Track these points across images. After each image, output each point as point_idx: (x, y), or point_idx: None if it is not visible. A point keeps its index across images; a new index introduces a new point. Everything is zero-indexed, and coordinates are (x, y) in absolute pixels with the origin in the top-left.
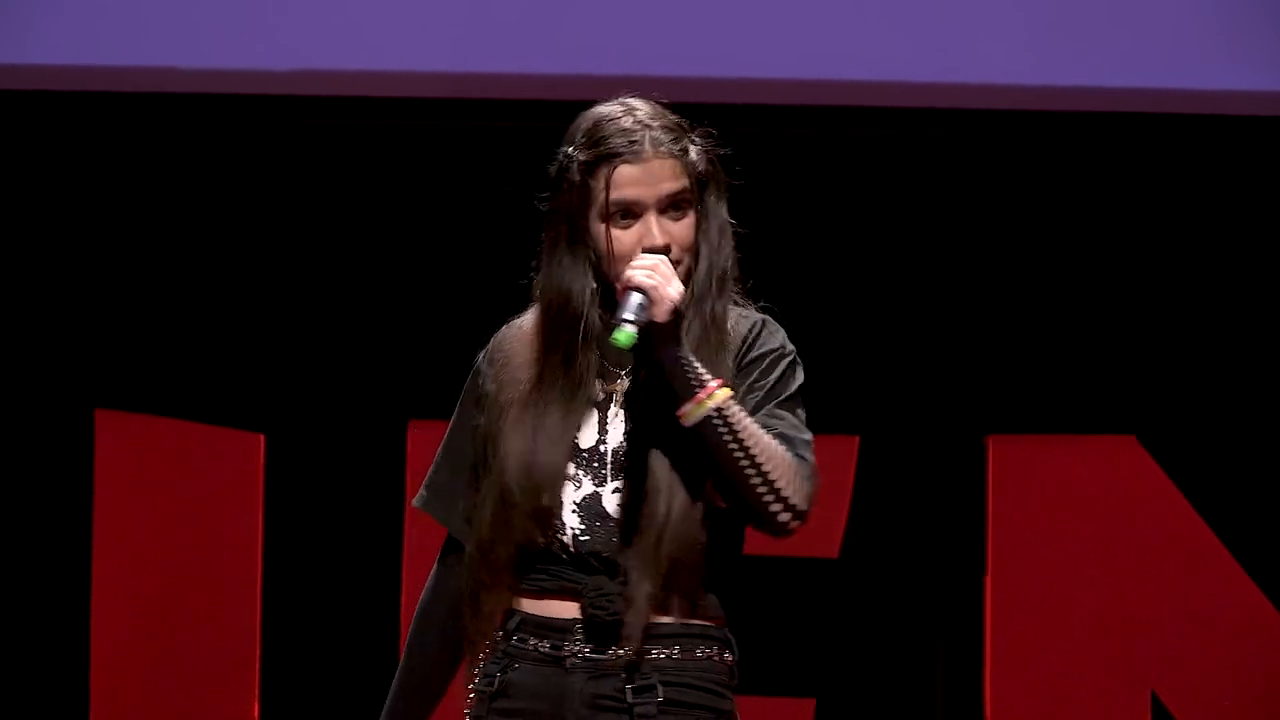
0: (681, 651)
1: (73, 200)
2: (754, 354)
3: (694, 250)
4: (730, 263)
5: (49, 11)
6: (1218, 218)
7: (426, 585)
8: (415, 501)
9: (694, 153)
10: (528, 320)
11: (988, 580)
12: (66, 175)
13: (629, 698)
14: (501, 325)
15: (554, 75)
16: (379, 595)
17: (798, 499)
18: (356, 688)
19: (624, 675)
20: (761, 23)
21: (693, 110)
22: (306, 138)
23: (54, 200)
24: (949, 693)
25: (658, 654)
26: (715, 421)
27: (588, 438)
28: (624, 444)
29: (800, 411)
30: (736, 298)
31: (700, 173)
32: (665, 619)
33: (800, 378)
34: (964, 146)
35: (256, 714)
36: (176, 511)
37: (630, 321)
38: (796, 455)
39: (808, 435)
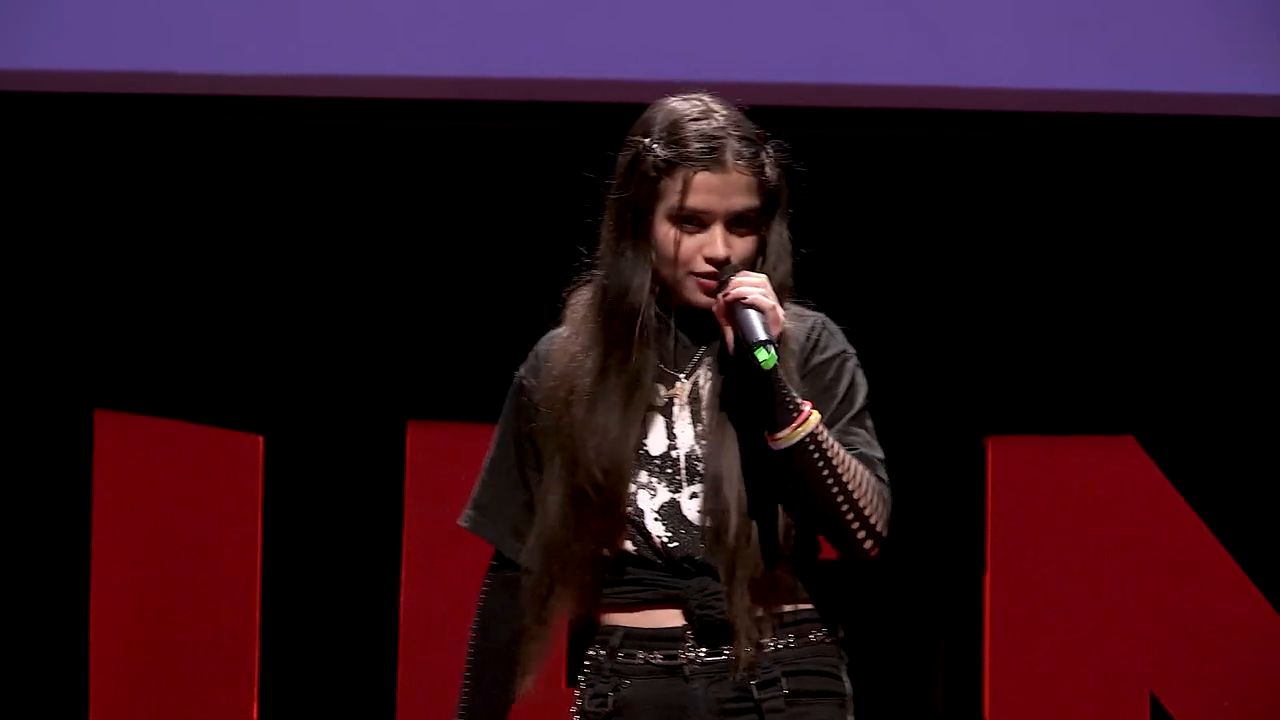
0: (796, 639)
1: (72, 202)
2: (819, 358)
3: (753, 268)
4: (789, 280)
5: (48, 15)
6: (1216, 219)
7: (480, 609)
8: (462, 522)
9: (769, 168)
10: (566, 331)
11: (987, 580)
12: (66, 177)
13: (755, 694)
14: (502, 325)
15: (555, 78)
16: (378, 596)
17: (881, 525)
18: (355, 689)
19: (746, 673)
20: (762, 26)
21: None
22: (305, 140)
23: (54, 202)
24: (949, 693)
25: (773, 646)
26: (810, 448)
27: (657, 444)
28: (695, 449)
29: (869, 422)
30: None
31: (770, 189)
32: (772, 609)
33: (865, 382)
34: (964, 149)
35: (255, 715)
36: (176, 512)
37: (769, 342)
38: (877, 478)
39: (881, 453)
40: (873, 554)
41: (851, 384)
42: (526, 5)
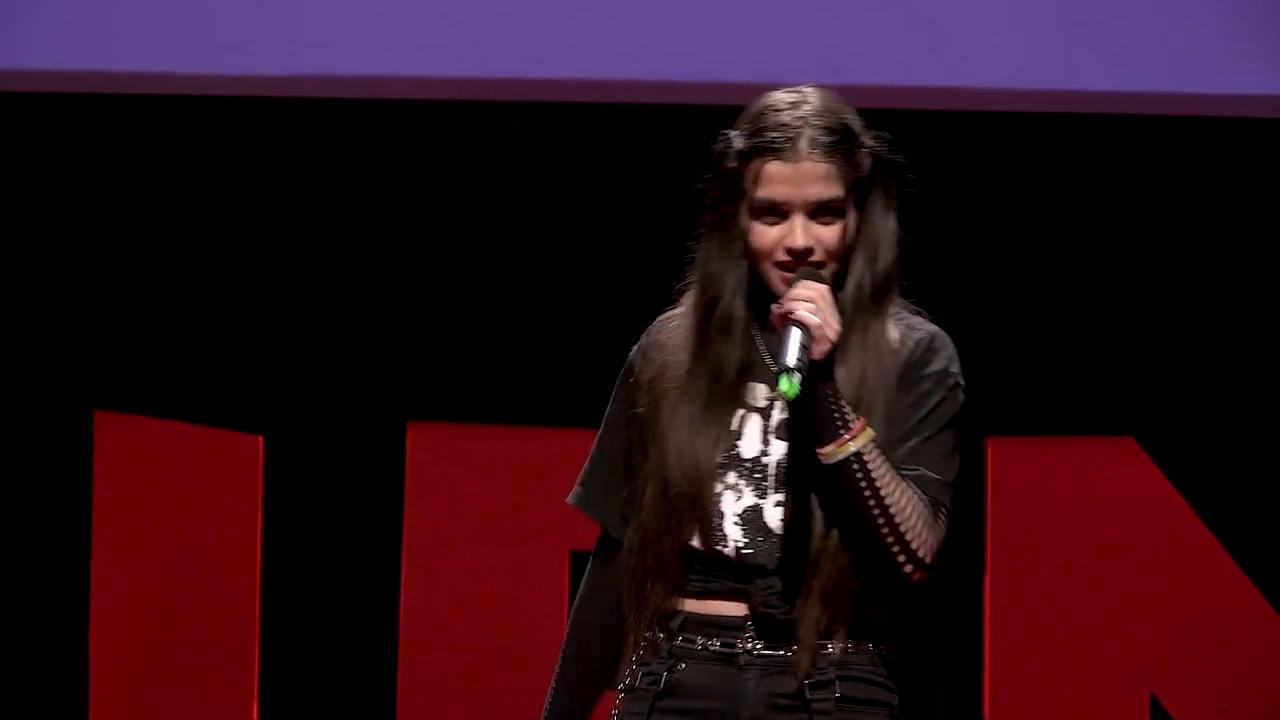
0: (855, 646)
1: (72, 203)
2: (918, 373)
3: (842, 258)
4: (893, 275)
5: (48, 16)
6: (1216, 220)
7: (585, 585)
8: (570, 499)
9: (857, 157)
10: (680, 312)
11: (987, 581)
12: (66, 178)
13: (807, 694)
14: (502, 326)
15: (555, 79)
16: (378, 597)
17: (924, 551)
18: (355, 689)
19: (800, 672)
20: (762, 26)
21: (694, 112)
22: (304, 141)
23: (53, 203)
24: (948, 694)
25: (830, 650)
26: (853, 466)
27: (750, 447)
28: (788, 458)
29: (949, 441)
30: (906, 307)
31: (861, 178)
32: (838, 618)
33: (959, 403)
34: (963, 149)
35: (255, 716)
36: (175, 513)
37: (794, 369)
38: (931, 502)
39: (947, 477)
40: (914, 578)
41: (940, 404)
42: (527, 5)
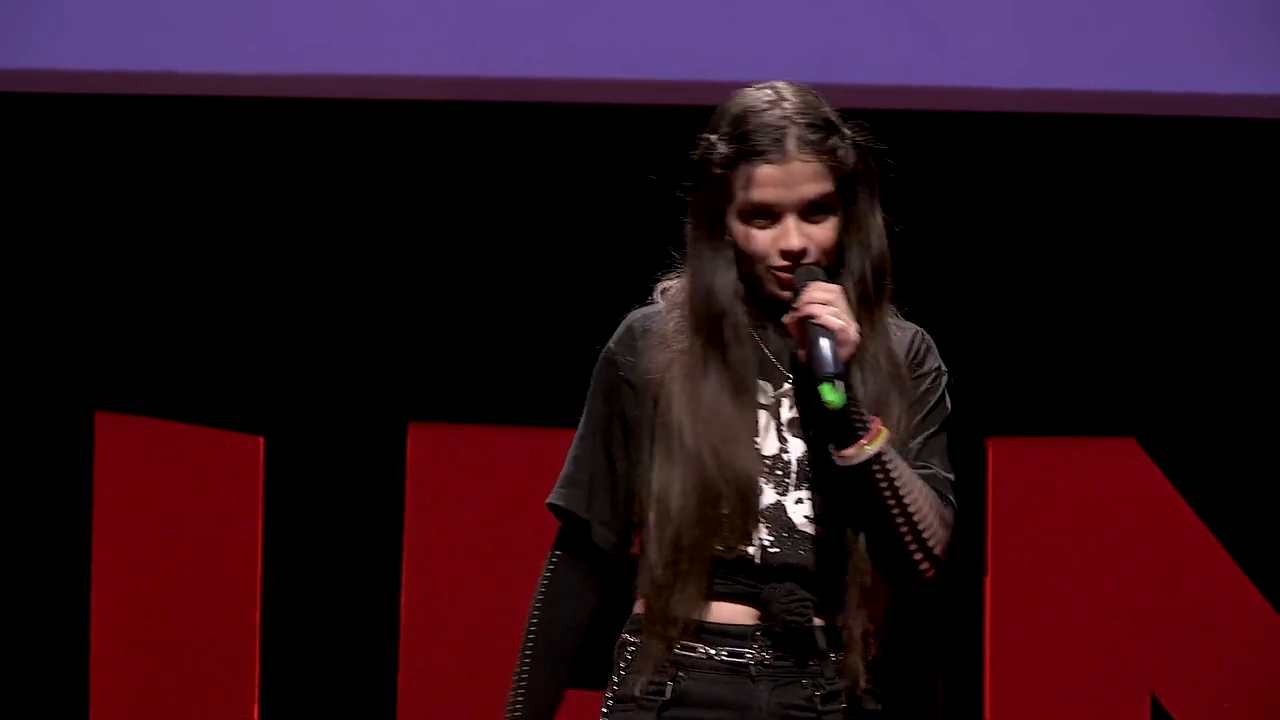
0: (861, 656)
1: (73, 203)
2: (918, 370)
3: (835, 254)
4: (888, 267)
5: (48, 16)
6: (1217, 221)
7: (552, 587)
8: (557, 500)
9: (841, 151)
10: (659, 309)
11: (987, 582)
12: (67, 179)
13: (819, 705)
14: (503, 326)
15: (555, 78)
16: (378, 598)
17: (940, 549)
18: (356, 691)
19: (811, 682)
20: (762, 27)
21: (694, 114)
22: (306, 141)
23: (54, 203)
24: (949, 695)
25: (837, 658)
26: (874, 468)
27: (770, 444)
28: (808, 453)
29: (947, 438)
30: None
31: (847, 172)
32: (861, 623)
33: (950, 403)
34: (963, 149)
35: (256, 717)
36: (176, 514)
37: (837, 376)
38: (942, 499)
39: (952, 475)
40: (927, 576)
41: (939, 402)
42: (527, 6)
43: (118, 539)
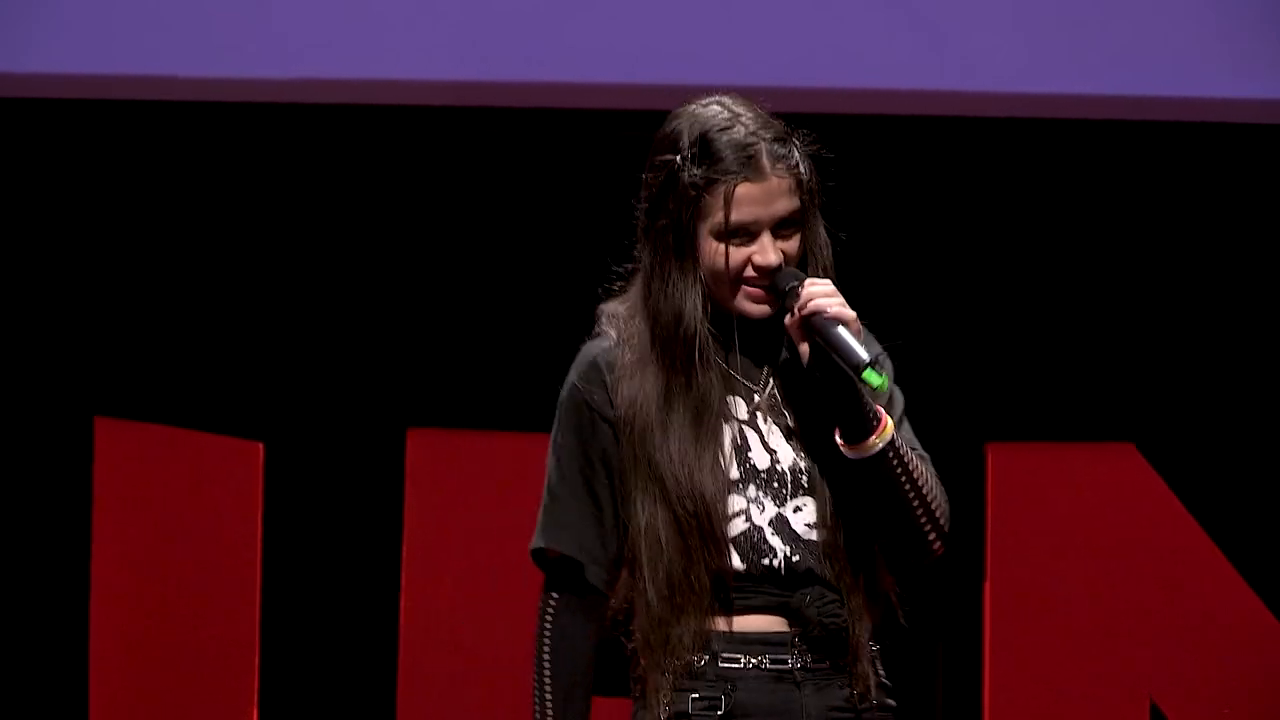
0: (882, 652)
1: (73, 208)
2: None
3: (803, 264)
4: (832, 269)
5: (49, 19)
6: (1217, 226)
7: (552, 632)
8: (545, 543)
9: (802, 164)
10: (617, 346)
11: (987, 587)
12: (67, 183)
13: (857, 704)
14: (502, 332)
15: (555, 82)
16: (378, 603)
17: (946, 521)
18: (356, 697)
19: (849, 682)
20: (762, 29)
21: None
22: (305, 146)
23: (54, 208)
24: (949, 699)
25: (859, 657)
26: (889, 455)
27: (761, 458)
28: (798, 461)
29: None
30: None
31: (806, 184)
32: (876, 618)
33: None
34: (963, 154)
35: None
36: (176, 520)
37: (874, 361)
38: (936, 476)
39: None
40: (938, 553)
41: (893, 384)
42: (527, 7)
43: (117, 545)
